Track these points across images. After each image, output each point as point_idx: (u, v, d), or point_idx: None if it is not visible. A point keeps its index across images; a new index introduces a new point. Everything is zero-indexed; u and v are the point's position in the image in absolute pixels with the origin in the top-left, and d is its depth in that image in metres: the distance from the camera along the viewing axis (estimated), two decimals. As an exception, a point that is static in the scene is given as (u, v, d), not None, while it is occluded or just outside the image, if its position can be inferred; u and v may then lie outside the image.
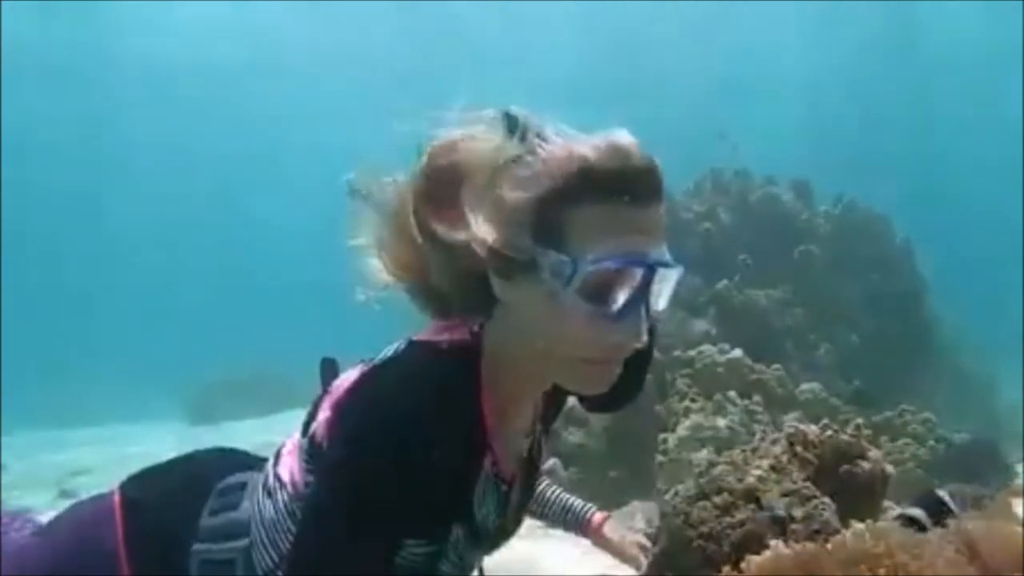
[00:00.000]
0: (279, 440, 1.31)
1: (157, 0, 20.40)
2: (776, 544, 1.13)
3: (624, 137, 1.05)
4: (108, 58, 22.35)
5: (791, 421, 2.98)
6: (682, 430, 4.47)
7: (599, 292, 1.02)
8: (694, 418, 4.50)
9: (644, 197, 1.03)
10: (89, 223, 32.81)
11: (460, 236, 1.06)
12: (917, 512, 1.37)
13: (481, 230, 1.04)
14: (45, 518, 1.41)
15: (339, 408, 1.14)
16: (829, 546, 1.02)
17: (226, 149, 28.94)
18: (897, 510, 1.46)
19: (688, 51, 21.45)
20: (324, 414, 1.16)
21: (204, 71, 23.87)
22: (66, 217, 32.33)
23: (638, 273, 1.03)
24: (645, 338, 1.06)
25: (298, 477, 1.19)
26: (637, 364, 1.15)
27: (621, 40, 21.79)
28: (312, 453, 1.17)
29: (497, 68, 20.91)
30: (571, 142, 1.06)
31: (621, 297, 1.03)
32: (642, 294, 1.04)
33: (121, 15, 20.81)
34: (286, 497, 1.19)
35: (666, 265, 1.05)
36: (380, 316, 1.23)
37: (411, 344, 1.16)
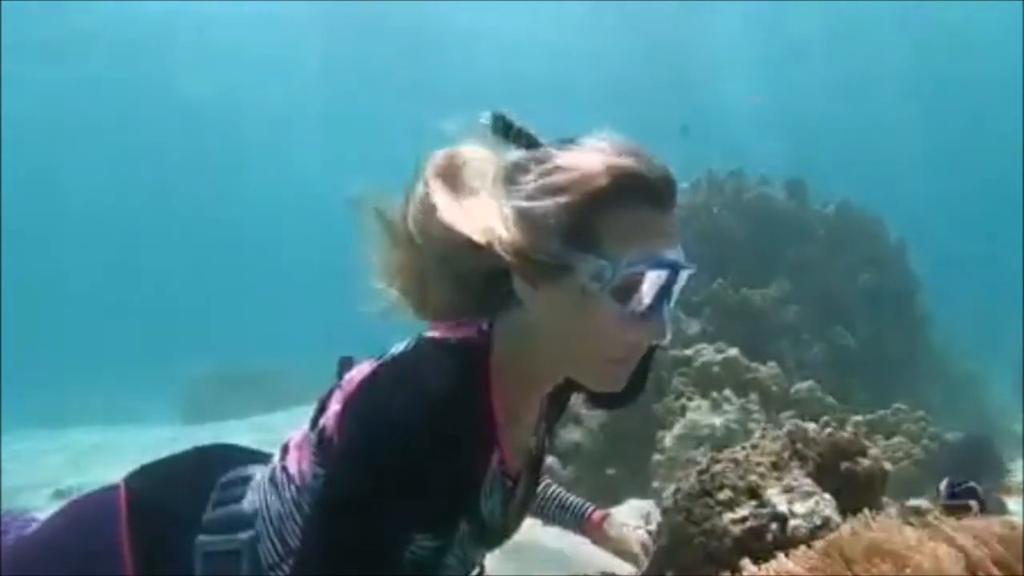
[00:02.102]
0: (277, 439, 1.31)
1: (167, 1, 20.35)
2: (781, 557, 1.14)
3: (627, 141, 1.08)
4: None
5: (789, 419, 3.00)
6: (679, 428, 4.50)
7: (627, 293, 1.06)
8: (691, 416, 4.52)
9: (667, 202, 1.09)
10: (87, 222, 32.81)
11: (476, 239, 1.08)
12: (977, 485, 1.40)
13: (506, 234, 1.07)
14: (44, 517, 1.41)
15: (350, 403, 1.15)
16: (840, 542, 1.02)
17: (224, 148, 28.97)
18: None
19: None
20: (334, 408, 1.17)
21: (205, 72, 23.88)
22: (64, 216, 32.32)
23: (664, 274, 1.07)
24: (669, 336, 1.09)
25: (306, 470, 1.20)
26: (642, 362, 1.17)
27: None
28: (321, 447, 1.17)
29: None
30: (589, 149, 1.09)
31: (648, 297, 1.07)
32: (667, 294, 1.09)
33: (122, 16, 20.77)
34: (293, 490, 1.20)
35: (689, 267, 1.10)
36: (378, 317, 1.24)
37: (421, 341, 1.18)
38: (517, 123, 1.14)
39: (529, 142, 1.14)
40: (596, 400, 1.37)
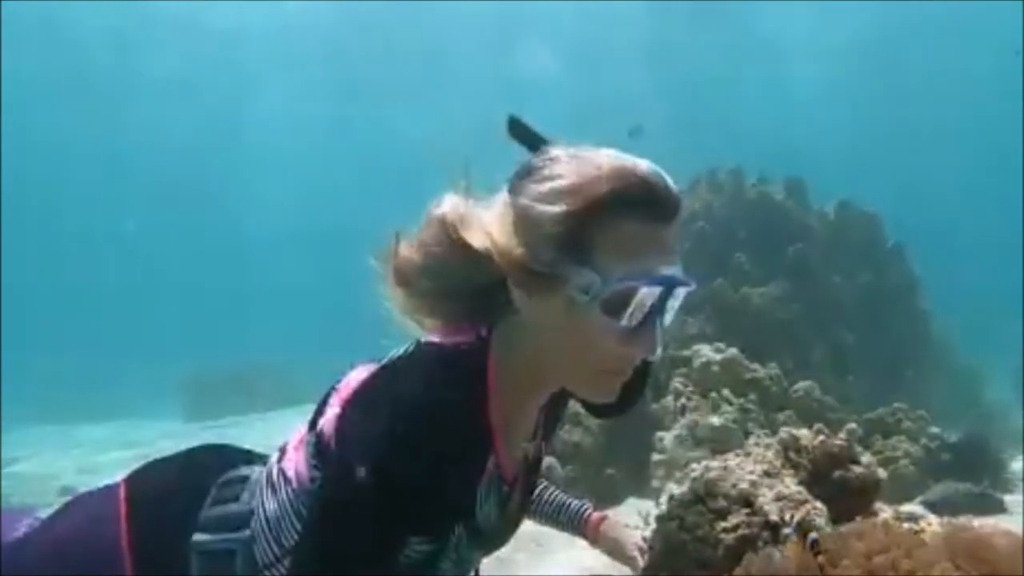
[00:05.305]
0: (277, 437, 1.32)
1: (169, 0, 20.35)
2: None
3: (638, 159, 1.08)
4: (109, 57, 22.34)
5: (784, 425, 3.00)
6: (678, 428, 4.50)
7: (619, 307, 1.06)
8: (690, 416, 4.52)
9: (668, 216, 1.07)
10: (88, 220, 32.84)
11: (476, 246, 1.09)
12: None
13: (502, 240, 1.07)
14: (47, 514, 1.42)
15: (348, 407, 1.16)
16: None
17: (225, 150, 29.04)
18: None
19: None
20: (332, 411, 1.18)
21: (203, 77, 23.92)
22: (66, 214, 32.36)
23: (657, 291, 1.06)
24: (660, 351, 1.10)
25: (304, 473, 1.20)
26: (640, 371, 1.18)
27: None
28: (319, 450, 1.18)
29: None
30: (594, 157, 1.08)
31: (639, 313, 1.06)
32: (660, 310, 1.08)
33: (124, 19, 20.80)
34: (290, 492, 1.21)
35: (685, 284, 1.09)
36: (377, 319, 1.25)
37: (420, 345, 1.18)
38: (532, 127, 1.13)
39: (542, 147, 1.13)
40: (591, 408, 1.37)
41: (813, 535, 1.12)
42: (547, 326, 1.10)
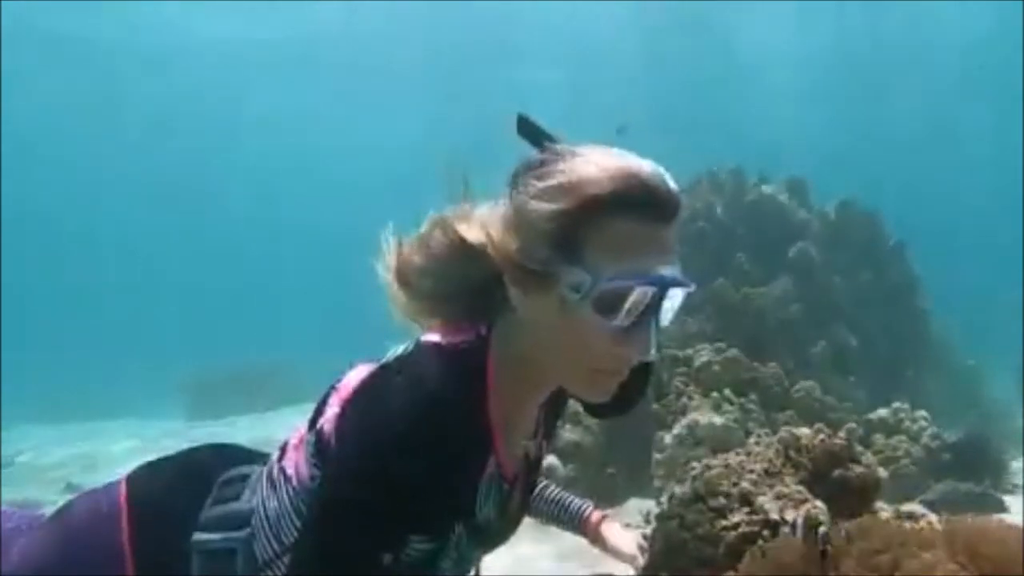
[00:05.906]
0: (277, 436, 1.32)
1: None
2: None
3: (640, 158, 1.07)
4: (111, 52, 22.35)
5: (785, 424, 3.00)
6: (679, 428, 4.50)
7: (612, 306, 1.05)
8: (691, 416, 4.53)
9: (665, 216, 1.06)
10: (88, 220, 32.88)
11: (472, 241, 1.09)
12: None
13: (500, 236, 1.07)
14: (51, 511, 1.43)
15: (348, 406, 1.15)
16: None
17: (225, 150, 29.06)
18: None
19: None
20: (332, 410, 1.18)
21: (203, 77, 23.94)
22: (66, 214, 32.41)
23: (651, 291, 1.05)
24: (655, 352, 1.09)
25: (304, 472, 1.20)
26: (641, 372, 1.17)
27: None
28: (319, 449, 1.18)
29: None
30: (594, 155, 1.07)
31: (634, 312, 1.05)
32: (654, 311, 1.07)
33: (124, 20, 20.82)
34: (291, 491, 1.21)
35: (682, 285, 1.08)
36: (378, 319, 1.25)
37: (419, 344, 1.18)
38: (542, 126, 1.12)
39: (551, 146, 1.10)
40: (590, 408, 1.37)
41: (822, 529, 1.12)
42: (543, 324, 1.09)
